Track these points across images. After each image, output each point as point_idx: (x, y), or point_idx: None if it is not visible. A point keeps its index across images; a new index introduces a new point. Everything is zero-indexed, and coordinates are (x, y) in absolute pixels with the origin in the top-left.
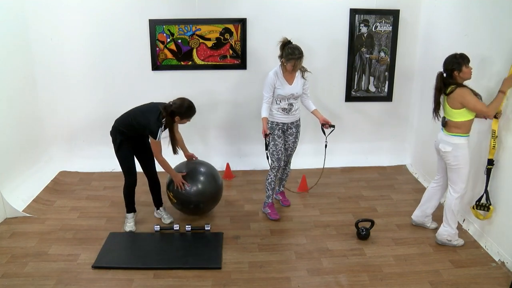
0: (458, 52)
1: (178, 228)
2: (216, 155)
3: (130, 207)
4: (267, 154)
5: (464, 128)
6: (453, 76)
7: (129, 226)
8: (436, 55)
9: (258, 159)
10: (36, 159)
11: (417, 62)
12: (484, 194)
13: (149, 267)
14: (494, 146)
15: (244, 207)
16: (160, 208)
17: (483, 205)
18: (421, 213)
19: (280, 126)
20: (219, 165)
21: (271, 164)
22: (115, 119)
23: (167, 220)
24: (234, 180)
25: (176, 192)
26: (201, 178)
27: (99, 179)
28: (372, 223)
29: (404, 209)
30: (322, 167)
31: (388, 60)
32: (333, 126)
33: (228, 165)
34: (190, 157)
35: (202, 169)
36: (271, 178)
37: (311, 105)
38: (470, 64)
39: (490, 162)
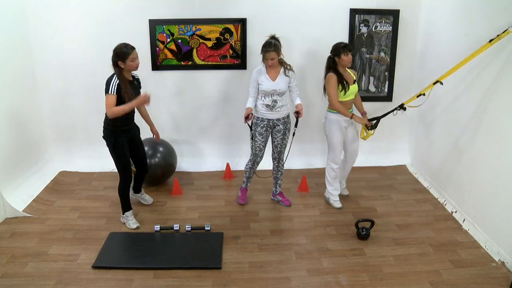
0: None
1: (178, 228)
2: (216, 155)
3: (128, 205)
4: (251, 135)
5: (334, 107)
6: (335, 61)
7: (134, 222)
8: (436, 55)
9: None
10: (36, 159)
11: (417, 62)
12: (377, 120)
13: (149, 267)
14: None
15: (244, 207)
16: (141, 191)
17: (374, 126)
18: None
19: (265, 123)
20: (219, 165)
21: (250, 156)
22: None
23: (148, 200)
24: (234, 180)
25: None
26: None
27: (99, 179)
28: (372, 223)
29: (404, 209)
30: (286, 155)
31: (388, 60)
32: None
33: (228, 165)
34: (156, 134)
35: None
36: (247, 167)
37: (295, 100)
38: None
39: (401, 106)
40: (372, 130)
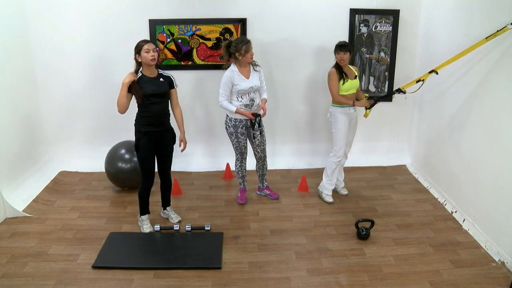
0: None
1: (178, 228)
2: (216, 155)
3: (146, 208)
4: (261, 131)
5: (335, 100)
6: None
7: (148, 227)
8: (436, 55)
9: None
10: (36, 159)
11: (417, 62)
12: (375, 102)
13: (149, 267)
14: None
15: (244, 207)
16: (167, 208)
17: (372, 105)
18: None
19: (243, 123)
20: (219, 165)
21: (235, 156)
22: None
23: (175, 219)
24: (234, 180)
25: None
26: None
27: (99, 179)
28: (372, 223)
29: (404, 209)
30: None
31: (388, 60)
32: (259, 115)
33: (228, 165)
34: (183, 143)
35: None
36: (237, 167)
37: (262, 94)
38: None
39: (399, 90)
40: (369, 110)
